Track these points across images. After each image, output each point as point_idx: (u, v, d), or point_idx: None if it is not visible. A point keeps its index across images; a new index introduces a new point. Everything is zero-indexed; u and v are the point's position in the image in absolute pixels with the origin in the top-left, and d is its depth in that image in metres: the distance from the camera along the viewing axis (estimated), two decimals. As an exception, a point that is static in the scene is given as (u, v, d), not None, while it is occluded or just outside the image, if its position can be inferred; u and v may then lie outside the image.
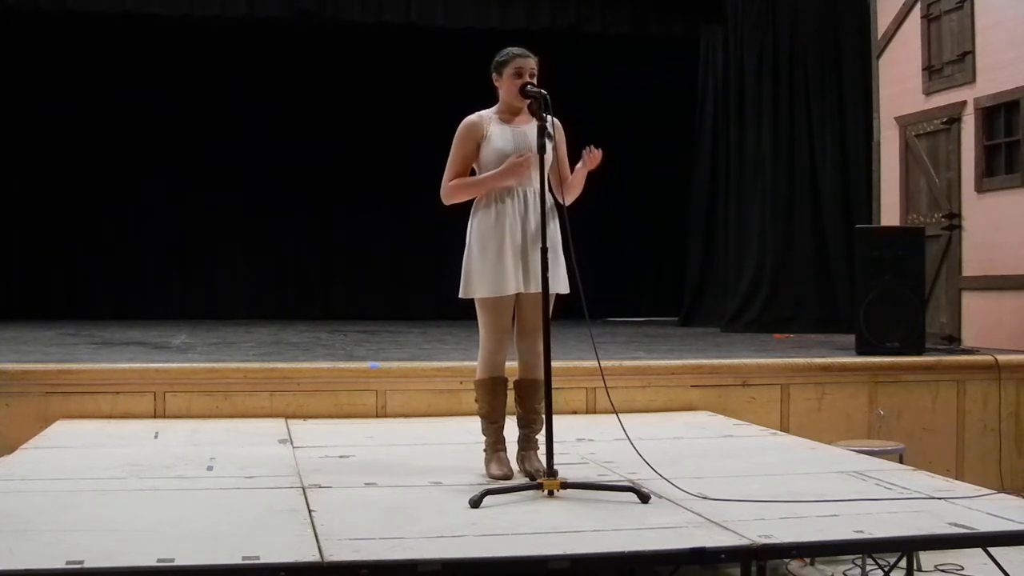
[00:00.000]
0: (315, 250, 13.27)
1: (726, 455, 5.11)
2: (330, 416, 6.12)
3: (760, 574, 3.58)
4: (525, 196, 4.44)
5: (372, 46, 12.43)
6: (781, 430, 6.26)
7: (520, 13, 10.76)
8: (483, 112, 4.57)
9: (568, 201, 4.52)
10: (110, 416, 5.91)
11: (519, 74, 4.45)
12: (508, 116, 4.53)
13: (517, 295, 4.46)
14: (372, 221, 13.15)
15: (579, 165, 4.50)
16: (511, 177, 4.41)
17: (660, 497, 4.03)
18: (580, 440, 5.36)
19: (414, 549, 3.28)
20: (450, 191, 4.51)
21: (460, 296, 4.55)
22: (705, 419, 6.28)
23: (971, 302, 8.57)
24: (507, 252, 4.40)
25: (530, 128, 4.40)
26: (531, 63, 4.48)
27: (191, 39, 11.85)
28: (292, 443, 5.29)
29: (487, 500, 3.88)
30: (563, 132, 4.57)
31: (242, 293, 12.97)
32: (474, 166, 4.55)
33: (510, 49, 4.53)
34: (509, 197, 4.44)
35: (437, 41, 11.68)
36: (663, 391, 6.55)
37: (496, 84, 4.55)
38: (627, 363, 6.69)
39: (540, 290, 4.31)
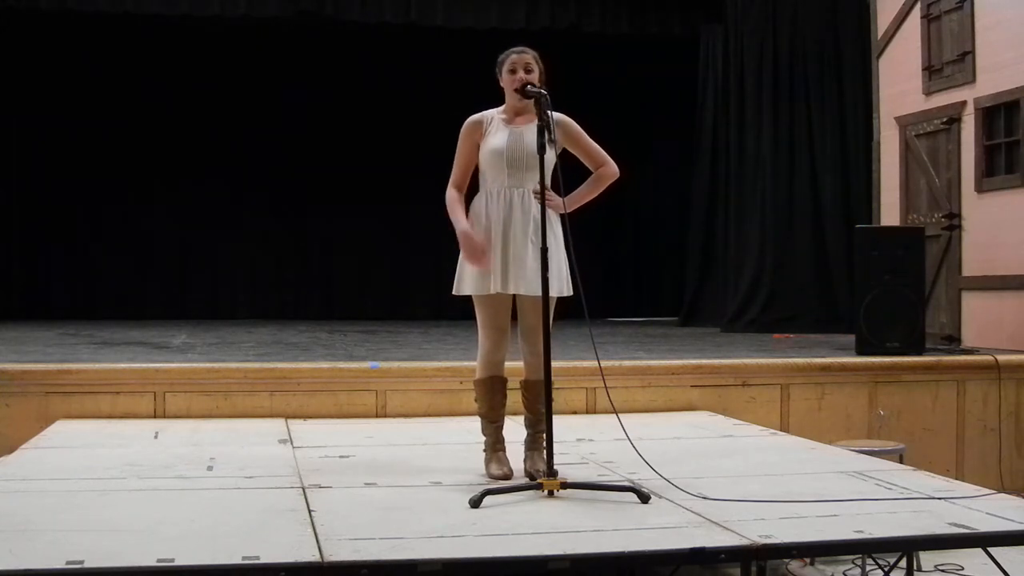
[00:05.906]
0: (315, 250, 13.27)
1: (726, 455, 5.11)
2: (330, 416, 6.12)
3: (760, 574, 3.58)
4: (511, 197, 4.43)
5: (372, 46, 12.43)
6: (781, 430, 6.26)
7: (520, 13, 10.76)
8: (489, 111, 4.56)
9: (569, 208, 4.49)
10: (110, 416, 5.91)
11: (512, 70, 4.45)
12: (511, 116, 4.53)
13: (515, 296, 4.47)
14: (372, 221, 13.14)
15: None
16: (465, 252, 4.39)
17: (660, 497, 4.03)
18: (580, 440, 5.36)
19: (414, 549, 3.28)
20: (447, 203, 4.49)
21: (453, 293, 4.57)
22: (705, 419, 6.28)
23: (971, 302, 8.57)
24: (489, 252, 4.40)
25: (528, 129, 4.39)
26: (525, 58, 4.47)
27: (191, 39, 11.85)
28: (292, 443, 5.29)
29: (487, 500, 3.88)
30: (574, 127, 4.54)
31: (242, 293, 12.97)
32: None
33: (509, 49, 4.54)
34: (497, 197, 4.44)
35: (437, 41, 11.68)
36: (663, 391, 6.55)
37: (502, 85, 4.54)
38: (627, 363, 6.69)
39: (522, 291, 4.37)
